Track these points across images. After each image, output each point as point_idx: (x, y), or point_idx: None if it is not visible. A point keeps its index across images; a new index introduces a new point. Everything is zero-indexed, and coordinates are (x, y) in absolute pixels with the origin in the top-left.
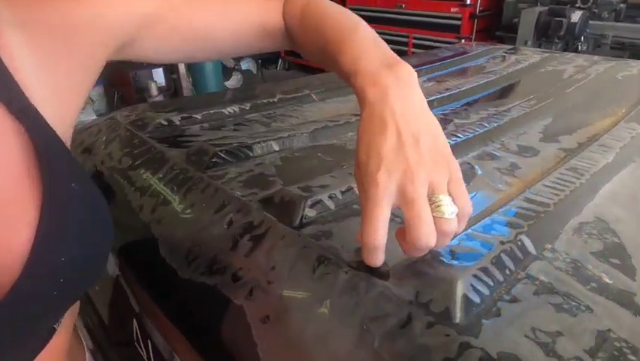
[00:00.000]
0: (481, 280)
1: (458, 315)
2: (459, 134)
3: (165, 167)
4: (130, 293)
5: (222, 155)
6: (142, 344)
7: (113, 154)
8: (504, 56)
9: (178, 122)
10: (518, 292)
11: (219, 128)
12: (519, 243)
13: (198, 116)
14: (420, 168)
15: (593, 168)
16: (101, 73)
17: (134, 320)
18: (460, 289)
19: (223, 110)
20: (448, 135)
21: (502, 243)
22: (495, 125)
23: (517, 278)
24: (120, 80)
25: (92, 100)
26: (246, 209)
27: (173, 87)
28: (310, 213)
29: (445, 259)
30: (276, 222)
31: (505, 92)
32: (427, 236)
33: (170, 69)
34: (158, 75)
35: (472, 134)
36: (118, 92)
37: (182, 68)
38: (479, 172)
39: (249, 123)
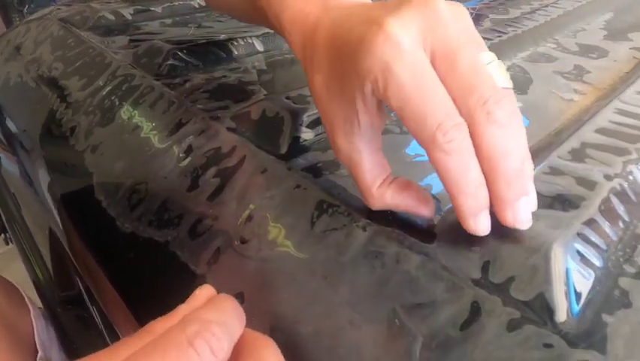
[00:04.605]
0: (589, 241)
1: (563, 308)
2: (500, 30)
3: (106, 73)
4: (67, 247)
5: (182, 55)
6: (89, 303)
7: (42, 60)
8: None
9: (130, 17)
10: None
11: (187, 24)
12: (630, 177)
13: (158, 9)
14: None
15: None
16: None
17: (77, 278)
18: (560, 260)
19: (191, 2)
20: (486, 32)
21: (608, 178)
22: (543, 21)
23: (635, 234)
24: None
25: None
26: (212, 130)
27: None
28: (306, 134)
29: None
30: (255, 149)
31: None
32: None
33: None
34: None
35: (517, 31)
36: None
37: None
38: (534, 77)
39: (227, 20)
